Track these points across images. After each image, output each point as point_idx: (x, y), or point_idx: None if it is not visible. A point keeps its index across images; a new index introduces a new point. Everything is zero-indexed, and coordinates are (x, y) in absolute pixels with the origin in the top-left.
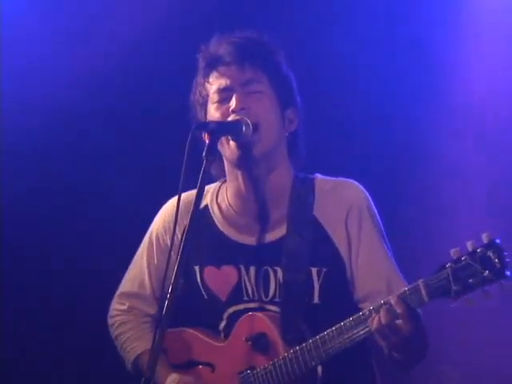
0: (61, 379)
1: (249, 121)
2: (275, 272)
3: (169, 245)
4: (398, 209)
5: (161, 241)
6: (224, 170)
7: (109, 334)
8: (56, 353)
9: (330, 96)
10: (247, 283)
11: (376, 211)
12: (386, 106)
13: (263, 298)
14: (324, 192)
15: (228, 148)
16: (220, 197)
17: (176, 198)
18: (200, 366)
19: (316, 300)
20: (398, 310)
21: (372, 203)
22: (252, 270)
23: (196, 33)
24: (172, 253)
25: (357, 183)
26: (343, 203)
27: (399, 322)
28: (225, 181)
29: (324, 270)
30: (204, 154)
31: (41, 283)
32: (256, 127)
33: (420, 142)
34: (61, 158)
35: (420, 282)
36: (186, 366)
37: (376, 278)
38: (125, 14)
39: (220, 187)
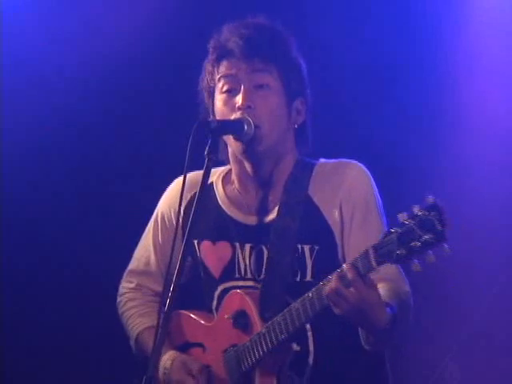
0: (60, 379)
1: (251, 120)
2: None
3: (174, 221)
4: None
5: (166, 219)
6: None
7: (110, 333)
8: (56, 352)
9: (330, 95)
10: (241, 261)
11: (377, 194)
12: (387, 105)
13: (255, 276)
14: (322, 172)
15: (232, 144)
16: (228, 177)
17: (180, 178)
18: (193, 348)
19: (308, 278)
20: (349, 276)
21: (373, 185)
22: (247, 247)
23: (199, 32)
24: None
25: (359, 164)
26: (340, 183)
27: (351, 289)
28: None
29: (316, 247)
30: (206, 152)
31: (41, 283)
32: (259, 128)
33: (421, 141)
34: (61, 158)
35: (370, 247)
36: (182, 348)
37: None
38: (126, 13)
39: (230, 169)
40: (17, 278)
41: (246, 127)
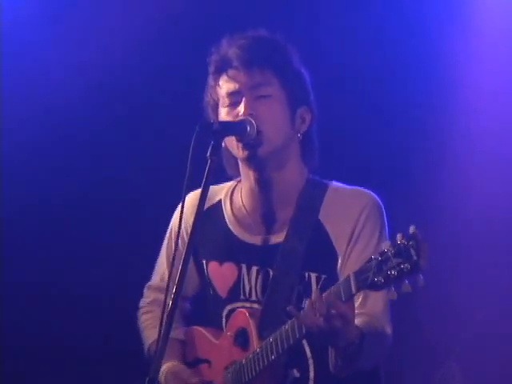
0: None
1: (253, 121)
2: None
3: (185, 237)
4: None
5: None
6: (239, 170)
7: (109, 334)
8: (56, 354)
9: (332, 96)
10: (246, 282)
11: (385, 224)
12: (388, 106)
13: (260, 298)
14: (335, 198)
15: (236, 148)
16: (235, 195)
17: (195, 192)
18: (201, 363)
19: None
20: (330, 301)
21: (383, 215)
22: (254, 270)
23: (202, 32)
24: (180, 248)
25: (372, 194)
26: (352, 212)
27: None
28: (240, 180)
29: (323, 276)
30: (208, 154)
31: (40, 284)
32: (261, 132)
33: (425, 142)
34: (61, 158)
35: (351, 273)
36: (194, 363)
37: None
38: (130, 13)
39: (236, 185)
40: (17, 278)
41: (248, 128)
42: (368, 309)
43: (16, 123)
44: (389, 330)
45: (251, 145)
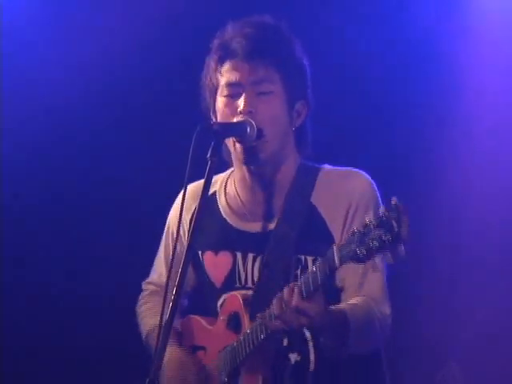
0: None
1: (253, 122)
2: None
3: (181, 232)
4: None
5: (174, 230)
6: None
7: (109, 333)
8: (56, 354)
9: (331, 95)
10: (241, 270)
11: (379, 203)
12: (388, 106)
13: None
14: (327, 181)
15: (234, 150)
16: (228, 185)
17: (190, 187)
18: (198, 351)
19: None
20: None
21: (377, 195)
22: (250, 256)
23: (202, 32)
24: (178, 244)
25: (364, 174)
26: (345, 193)
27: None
28: (234, 170)
29: (320, 258)
30: (208, 155)
31: (40, 284)
32: (261, 132)
33: (425, 142)
34: (61, 159)
35: (334, 245)
36: (191, 351)
37: (352, 270)
38: (131, 12)
39: (230, 175)
40: (17, 278)
41: (248, 129)
42: (365, 291)
43: (16, 123)
44: (387, 310)
45: (251, 149)
